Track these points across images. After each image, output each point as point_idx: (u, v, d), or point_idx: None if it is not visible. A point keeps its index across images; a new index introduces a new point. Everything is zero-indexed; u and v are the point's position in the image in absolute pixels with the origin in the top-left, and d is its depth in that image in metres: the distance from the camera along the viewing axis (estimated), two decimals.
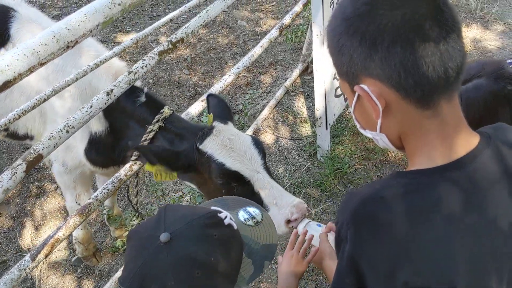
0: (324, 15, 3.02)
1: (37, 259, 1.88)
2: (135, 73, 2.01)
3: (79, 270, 3.08)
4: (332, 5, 3.12)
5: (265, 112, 4.13)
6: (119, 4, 1.59)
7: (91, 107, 1.83)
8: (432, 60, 0.91)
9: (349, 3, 0.98)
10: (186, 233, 1.14)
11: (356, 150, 3.76)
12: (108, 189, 2.17)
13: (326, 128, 3.53)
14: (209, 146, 1.97)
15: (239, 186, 1.94)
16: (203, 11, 2.39)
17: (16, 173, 1.59)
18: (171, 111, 2.20)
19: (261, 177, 1.92)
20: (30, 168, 1.63)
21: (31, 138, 2.63)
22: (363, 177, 3.57)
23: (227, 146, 1.96)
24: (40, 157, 1.66)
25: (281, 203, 1.88)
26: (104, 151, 2.42)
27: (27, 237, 3.28)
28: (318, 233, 1.62)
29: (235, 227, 1.24)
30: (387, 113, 0.99)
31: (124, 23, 5.31)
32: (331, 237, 1.55)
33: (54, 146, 1.70)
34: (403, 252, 0.94)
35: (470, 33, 5.35)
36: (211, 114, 2.23)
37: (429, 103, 0.95)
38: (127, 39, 5.08)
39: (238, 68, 2.94)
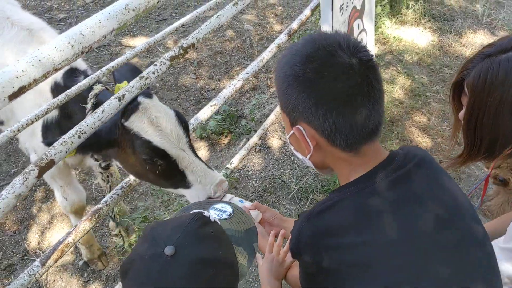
0: (333, 21, 3.01)
1: (47, 264, 1.87)
2: (147, 78, 2.00)
3: (85, 274, 3.07)
4: (342, 10, 3.12)
5: (272, 117, 4.11)
6: (133, 10, 1.59)
7: (102, 112, 1.82)
8: (357, 123, 1.17)
9: (301, 63, 1.18)
10: (186, 240, 1.14)
11: None
12: (118, 194, 2.16)
13: None
14: (136, 123, 1.93)
15: (164, 164, 1.96)
16: (214, 17, 2.38)
17: (28, 178, 1.58)
18: (103, 87, 2.13)
19: (186, 156, 1.96)
20: (42, 173, 1.63)
21: (1, 123, 2.64)
22: None
23: (154, 124, 1.94)
24: (52, 163, 1.65)
25: (205, 181, 1.95)
26: (59, 136, 2.38)
27: (34, 241, 3.27)
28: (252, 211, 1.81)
29: (219, 222, 1.27)
30: (316, 150, 1.25)
31: (131, 26, 5.31)
32: (254, 213, 1.78)
33: (66, 152, 1.69)
34: (338, 256, 1.17)
35: (477, 39, 5.34)
36: (125, 82, 2.13)
37: (352, 149, 1.22)
38: (134, 42, 5.10)
39: (247, 73, 2.94)
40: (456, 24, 5.51)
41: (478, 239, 1.23)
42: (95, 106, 2.05)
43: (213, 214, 1.31)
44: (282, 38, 3.23)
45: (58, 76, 2.20)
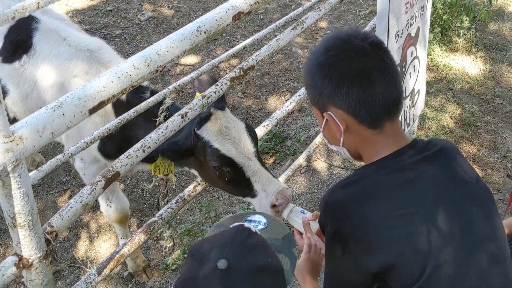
0: (388, 47, 3.01)
1: (103, 273, 1.92)
2: (208, 97, 2.06)
3: (130, 285, 3.13)
4: (397, 37, 3.12)
5: (318, 139, 4.12)
6: (205, 32, 1.65)
7: (166, 128, 1.89)
8: (377, 96, 1.32)
9: (322, 53, 1.38)
10: (236, 252, 1.16)
11: None
12: (173, 208, 2.21)
13: None
14: (207, 131, 2.06)
15: (231, 171, 2.07)
16: (273, 40, 2.44)
17: (95, 189, 1.64)
18: (172, 101, 2.27)
19: (252, 164, 2.06)
20: (108, 184, 1.69)
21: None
22: None
23: (223, 133, 2.06)
24: (117, 175, 1.71)
25: (268, 189, 2.04)
26: (116, 146, 2.49)
27: (82, 249, 3.36)
28: (301, 220, 1.84)
29: (259, 232, 1.30)
30: (347, 133, 1.39)
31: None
32: (314, 224, 1.81)
33: (131, 165, 1.75)
34: (363, 227, 1.30)
35: None
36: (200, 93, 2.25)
37: (376, 125, 1.36)
38: (184, 60, 5.22)
39: (299, 95, 2.97)
40: (509, 54, 5.40)
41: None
42: (166, 119, 2.16)
43: (250, 225, 1.32)
44: None
45: (134, 97, 2.30)
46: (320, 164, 3.98)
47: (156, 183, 2.35)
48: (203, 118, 2.08)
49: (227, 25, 1.79)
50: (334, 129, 1.40)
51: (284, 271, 1.24)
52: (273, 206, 2.01)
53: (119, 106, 2.29)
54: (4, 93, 2.66)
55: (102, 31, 5.55)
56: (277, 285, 1.19)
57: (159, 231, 2.87)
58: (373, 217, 1.30)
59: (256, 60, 2.30)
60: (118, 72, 1.40)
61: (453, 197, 1.30)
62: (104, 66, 2.42)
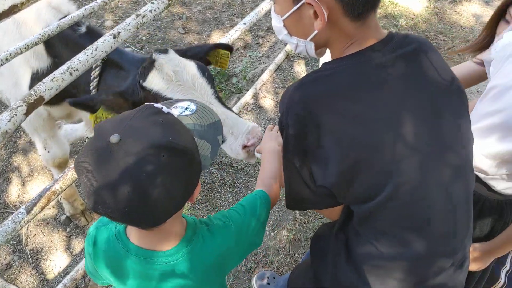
0: None
1: (32, 212, 1.75)
2: (143, 16, 1.85)
3: (68, 229, 2.95)
4: None
5: (265, 77, 4.00)
6: None
7: (96, 49, 1.67)
8: None
9: None
10: (132, 128, 1.09)
11: None
12: None
13: None
14: (154, 82, 1.82)
15: None
16: None
17: (16, 115, 1.44)
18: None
19: (213, 108, 1.82)
20: (31, 110, 1.48)
21: None
22: None
23: (173, 80, 1.82)
24: (41, 99, 1.51)
25: (237, 131, 1.84)
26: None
27: (14, 194, 3.12)
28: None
29: (175, 114, 1.21)
30: (325, 25, 1.16)
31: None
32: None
33: (57, 89, 1.55)
34: (332, 122, 1.15)
35: (471, 8, 5.25)
36: None
37: (363, 16, 1.16)
38: None
39: (244, 24, 2.79)
40: None
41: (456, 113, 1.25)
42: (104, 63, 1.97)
43: (174, 111, 1.23)
44: None
45: (51, 21, 2.02)
46: (267, 102, 3.87)
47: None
48: (147, 67, 1.82)
49: None
50: (308, 20, 1.18)
51: (193, 154, 1.13)
52: (245, 147, 1.82)
53: (52, 45, 2.01)
54: None
55: None
56: (174, 165, 1.07)
57: None
58: (338, 120, 1.15)
59: None
60: None
61: (425, 101, 1.19)
62: None
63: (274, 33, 4.65)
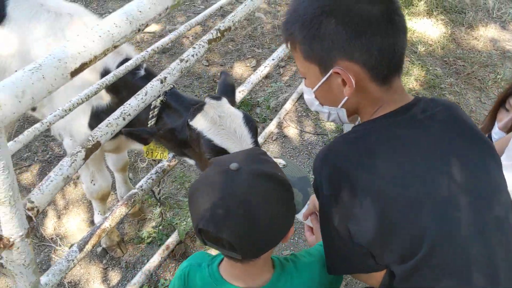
0: None
1: (84, 249, 1.83)
2: (187, 61, 1.95)
3: (104, 261, 3.02)
4: None
5: (288, 106, 4.09)
6: None
7: (146, 94, 1.78)
8: (397, 47, 1.18)
9: None
10: (249, 160, 1.23)
11: None
12: (153, 179, 2.12)
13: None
14: (199, 122, 1.96)
15: None
16: (248, 0, 2.34)
17: (76, 160, 1.53)
18: (171, 86, 2.16)
19: None
20: (89, 155, 1.58)
21: (33, 109, 2.57)
22: None
23: (216, 123, 1.95)
24: (98, 144, 1.60)
25: None
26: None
27: (50, 227, 3.21)
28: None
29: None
30: (354, 91, 1.21)
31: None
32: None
33: (112, 133, 1.64)
34: (360, 186, 1.16)
35: (488, 33, 5.32)
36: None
37: (388, 80, 1.22)
38: (150, 28, 4.99)
39: (273, 59, 2.89)
40: (467, 17, 5.48)
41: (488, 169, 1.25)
42: (163, 103, 2.12)
43: None
44: None
45: (110, 64, 2.15)
46: (291, 131, 3.95)
47: (150, 163, 2.23)
48: (197, 109, 1.96)
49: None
50: (337, 87, 1.22)
51: (292, 193, 1.25)
52: None
53: (112, 85, 2.14)
54: None
55: None
56: (281, 198, 1.20)
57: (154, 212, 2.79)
58: (373, 179, 1.16)
59: (232, 21, 2.19)
60: (99, 31, 1.28)
61: (458, 156, 1.21)
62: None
63: (294, 62, 4.76)
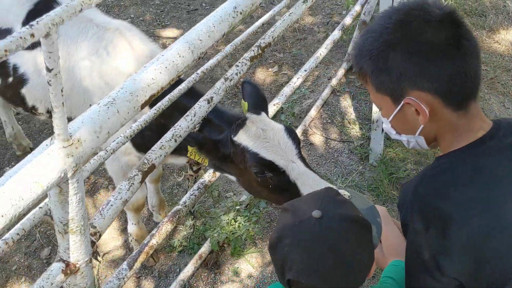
0: None
1: (134, 267, 1.86)
2: (231, 80, 1.98)
3: (137, 270, 3.06)
4: None
5: (313, 113, 4.10)
6: (240, 13, 1.55)
7: (194, 115, 1.80)
8: (469, 71, 1.18)
9: (398, 31, 1.19)
10: (328, 205, 1.24)
11: (408, 154, 3.72)
12: (195, 195, 2.15)
13: (382, 131, 3.50)
14: (243, 137, 1.97)
15: (274, 176, 1.94)
16: (286, 14, 2.37)
17: (133, 184, 1.56)
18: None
19: (296, 167, 1.92)
20: (145, 177, 1.61)
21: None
22: None
23: (260, 137, 1.96)
24: (153, 167, 1.63)
25: None
26: (149, 138, 2.37)
27: None
28: None
29: None
30: (429, 119, 1.21)
31: (162, 16, 5.25)
32: None
33: (165, 155, 1.67)
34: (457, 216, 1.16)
35: (509, 36, 5.29)
36: (246, 102, 2.24)
37: (463, 106, 1.21)
38: (166, 33, 5.04)
39: (305, 70, 2.91)
40: (488, 20, 5.46)
41: None
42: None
43: None
44: (336, 34, 3.20)
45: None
46: (317, 138, 3.96)
47: (187, 178, 2.26)
48: (239, 124, 1.99)
49: (259, 4, 1.70)
50: (412, 116, 1.23)
51: (372, 230, 1.28)
52: None
53: (155, 99, 2.19)
54: (24, 81, 2.48)
55: None
56: (365, 239, 1.23)
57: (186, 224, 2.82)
58: (465, 212, 1.16)
59: (272, 37, 2.22)
60: (165, 61, 1.30)
61: None
62: (139, 49, 2.28)
63: (316, 66, 4.76)
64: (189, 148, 1.98)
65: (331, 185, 1.96)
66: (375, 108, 3.41)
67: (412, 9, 1.20)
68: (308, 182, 1.90)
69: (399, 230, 1.60)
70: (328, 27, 5.20)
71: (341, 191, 1.37)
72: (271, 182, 1.93)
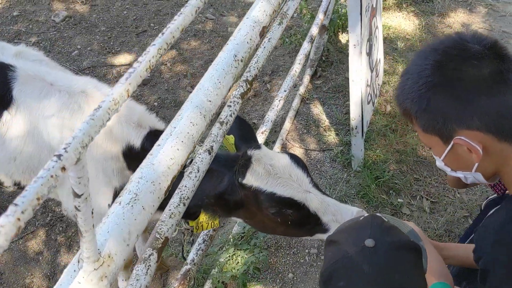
0: (362, 25, 2.91)
1: None
2: (227, 123, 1.83)
3: None
4: (366, 12, 3.01)
5: (287, 125, 4.00)
6: (241, 60, 1.42)
7: (198, 171, 1.64)
8: None
9: (436, 72, 1.15)
10: (377, 233, 1.22)
11: (388, 154, 3.70)
12: (202, 249, 1.99)
13: (362, 136, 3.45)
14: (253, 178, 1.83)
15: (294, 212, 1.82)
16: (265, 41, 2.23)
17: (150, 265, 1.39)
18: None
19: (314, 197, 1.83)
20: (160, 255, 1.44)
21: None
22: (402, 182, 3.52)
23: (271, 173, 1.83)
24: (166, 240, 1.46)
25: (341, 218, 1.81)
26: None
27: None
28: None
29: None
30: (483, 155, 1.17)
31: (111, 43, 4.99)
32: None
33: (176, 224, 1.51)
34: None
35: (458, 19, 5.40)
36: (231, 135, 2.09)
37: None
38: (119, 60, 4.79)
39: (284, 91, 2.80)
40: (436, 5, 5.55)
41: None
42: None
43: None
44: (306, 47, 3.10)
45: (132, 138, 1.98)
46: (296, 151, 3.87)
47: (182, 232, 2.07)
48: (244, 165, 1.83)
49: (256, 46, 1.58)
50: (465, 154, 1.20)
51: (422, 254, 1.26)
52: None
53: (133, 158, 1.98)
54: None
55: (15, 41, 4.91)
56: (418, 263, 1.21)
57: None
58: None
59: (257, 68, 2.08)
60: (179, 135, 1.16)
61: None
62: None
63: (278, 75, 4.67)
64: (192, 223, 1.81)
65: (351, 208, 1.87)
66: (352, 114, 3.35)
67: (449, 48, 1.15)
68: (330, 209, 1.81)
69: (435, 249, 1.57)
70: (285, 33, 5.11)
71: (378, 215, 1.31)
72: (291, 218, 1.81)
